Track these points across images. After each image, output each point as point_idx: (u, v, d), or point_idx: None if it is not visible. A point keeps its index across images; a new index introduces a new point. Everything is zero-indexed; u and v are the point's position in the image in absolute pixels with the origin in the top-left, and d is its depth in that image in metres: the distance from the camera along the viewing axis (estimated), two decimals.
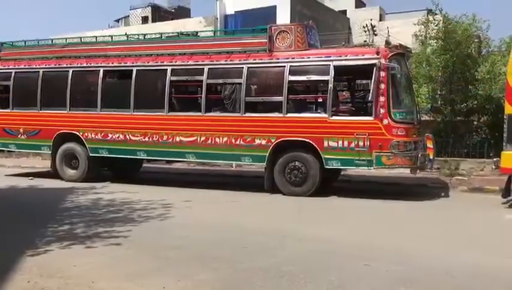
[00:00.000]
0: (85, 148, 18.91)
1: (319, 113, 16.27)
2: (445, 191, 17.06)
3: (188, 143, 17.25)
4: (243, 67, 16.67)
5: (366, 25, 46.92)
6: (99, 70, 18.82)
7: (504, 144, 13.90)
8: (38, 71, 19.81)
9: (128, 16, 61.79)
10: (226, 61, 17.04)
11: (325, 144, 15.48)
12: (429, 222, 12.81)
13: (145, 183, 19.08)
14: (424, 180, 18.24)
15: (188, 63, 17.58)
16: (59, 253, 9.31)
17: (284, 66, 16.17)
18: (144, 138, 17.84)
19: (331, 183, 17.69)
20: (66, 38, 21.09)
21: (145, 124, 17.88)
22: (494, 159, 15.50)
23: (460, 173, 19.08)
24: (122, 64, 18.63)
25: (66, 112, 19.19)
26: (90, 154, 18.88)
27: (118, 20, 64.92)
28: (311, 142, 15.65)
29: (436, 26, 23.29)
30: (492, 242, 10.44)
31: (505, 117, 13.90)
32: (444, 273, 8.05)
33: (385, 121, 14.92)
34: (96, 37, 20.62)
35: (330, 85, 15.69)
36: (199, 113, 17.24)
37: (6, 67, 20.49)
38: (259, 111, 16.77)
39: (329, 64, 15.70)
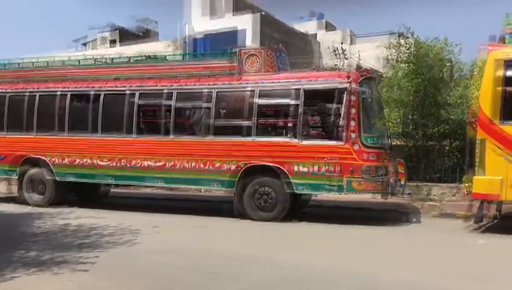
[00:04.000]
0: (52, 173, 18.69)
1: (289, 137, 16.06)
2: (416, 217, 16.99)
3: (157, 168, 17.12)
4: (211, 91, 16.60)
5: (337, 49, 46.98)
6: (66, 94, 18.68)
7: (476, 169, 13.85)
8: (5, 95, 19.67)
9: (96, 39, 61.65)
10: (194, 84, 16.99)
11: (295, 168, 15.38)
12: (400, 247, 12.74)
13: (113, 208, 18.84)
14: (395, 206, 18.14)
15: (156, 87, 17.48)
16: (26, 279, 9.15)
17: (254, 90, 16.13)
18: (112, 163, 17.73)
19: (301, 209, 17.60)
20: (33, 62, 20.84)
21: (113, 149, 17.76)
22: (466, 185, 15.43)
23: (432, 198, 19.00)
24: (90, 87, 18.46)
25: (33, 136, 19.01)
26: (57, 179, 18.64)
27: (85, 44, 64.67)
28: (281, 167, 15.54)
29: (407, 49, 23.27)
30: (465, 268, 10.36)
31: (477, 142, 13.86)
32: None
33: (356, 146, 14.88)
34: (63, 61, 20.41)
35: (300, 109, 15.63)
36: (168, 138, 17.12)
37: None
38: (229, 135, 16.64)
39: (300, 88, 15.69)
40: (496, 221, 15.44)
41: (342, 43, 46.36)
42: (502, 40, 14.47)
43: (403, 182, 16.15)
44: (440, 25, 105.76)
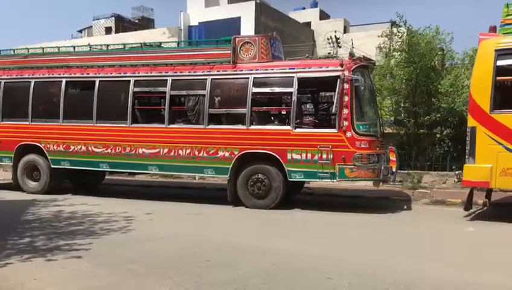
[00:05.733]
0: (47, 159, 18.76)
1: (283, 125, 16.23)
2: (407, 204, 17.11)
3: (151, 155, 17.17)
4: (206, 79, 16.65)
5: (331, 37, 47.05)
6: (61, 81, 18.69)
7: (466, 157, 13.97)
8: (0, 82, 19.64)
9: (92, 26, 61.48)
10: (189, 72, 17.02)
11: (289, 156, 15.49)
12: (391, 234, 12.83)
13: (107, 195, 18.99)
14: (387, 193, 18.29)
15: (151, 74, 17.51)
16: (19, 266, 9.18)
17: (248, 78, 16.18)
18: (107, 150, 17.76)
19: (294, 196, 17.71)
20: (28, 49, 20.84)
21: (108, 136, 17.78)
22: (456, 172, 15.57)
23: (423, 186, 19.16)
24: (85, 75, 18.49)
25: (27, 123, 19.06)
26: (52, 166, 18.73)
27: (81, 31, 64.56)
28: (274, 154, 15.65)
29: (400, 38, 23.38)
30: (455, 255, 10.44)
31: (467, 130, 13.97)
32: (406, 288, 8.00)
33: (348, 134, 14.95)
34: (58, 47, 20.33)
35: (294, 97, 15.71)
36: (162, 125, 17.19)
37: None
38: (223, 123, 16.74)
39: (293, 76, 15.74)
40: (485, 208, 15.59)
41: (335, 32, 46.35)
42: None
43: (394, 170, 16.26)
44: (437, 14, 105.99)
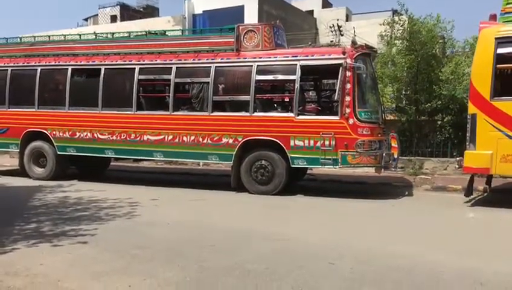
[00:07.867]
0: (53, 146, 18.92)
1: (286, 112, 16.39)
2: (409, 190, 17.23)
3: (156, 142, 17.32)
4: (210, 67, 16.77)
5: (333, 25, 47.06)
6: (67, 68, 18.85)
7: (467, 143, 14.08)
8: (7, 69, 19.81)
9: (97, 14, 61.63)
10: (193, 60, 17.14)
11: (292, 143, 15.62)
12: (393, 221, 12.97)
13: (112, 181, 19.15)
14: (389, 179, 18.40)
15: (156, 62, 17.64)
16: (26, 251, 9.26)
17: (251, 66, 16.29)
18: (112, 137, 17.91)
19: (297, 182, 17.89)
20: (34, 37, 21.02)
21: (113, 123, 17.92)
22: (457, 159, 15.68)
23: (424, 172, 19.30)
24: (90, 62, 18.64)
25: (34, 110, 19.22)
26: (58, 153, 18.90)
27: (86, 19, 64.79)
28: (277, 141, 15.78)
29: (401, 26, 23.48)
30: (455, 241, 10.53)
31: (468, 117, 14.08)
32: (407, 273, 8.11)
33: (351, 121, 15.07)
34: (64, 35, 20.46)
35: (297, 85, 15.81)
36: (167, 112, 17.32)
37: None
38: (227, 110, 16.86)
39: (296, 64, 15.84)
40: (485, 194, 15.75)
41: (337, 20, 46.37)
42: None
43: (395, 156, 16.34)
44: (438, 2, 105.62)
